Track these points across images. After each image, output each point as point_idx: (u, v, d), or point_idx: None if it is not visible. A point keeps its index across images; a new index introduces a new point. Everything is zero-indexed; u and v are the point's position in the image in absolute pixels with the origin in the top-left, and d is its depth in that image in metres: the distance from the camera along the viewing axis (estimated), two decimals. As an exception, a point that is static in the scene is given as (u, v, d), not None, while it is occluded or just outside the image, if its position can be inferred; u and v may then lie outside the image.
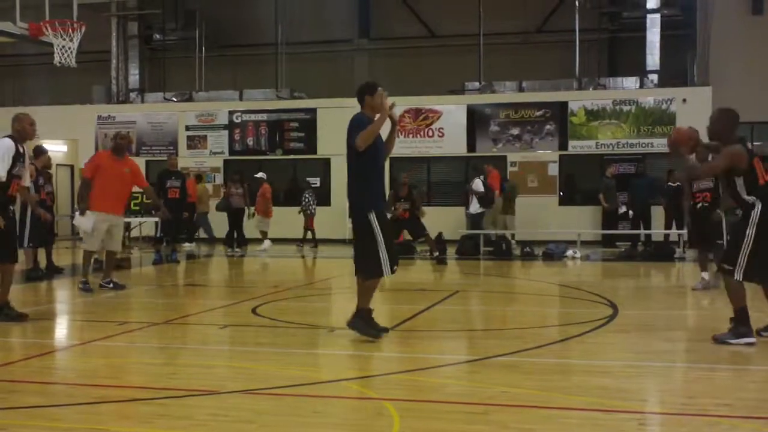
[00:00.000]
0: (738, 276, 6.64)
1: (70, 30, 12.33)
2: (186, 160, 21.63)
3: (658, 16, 21.17)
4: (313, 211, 18.99)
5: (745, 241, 6.60)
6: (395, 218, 15.17)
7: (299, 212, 19.00)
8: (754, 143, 21.37)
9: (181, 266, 14.99)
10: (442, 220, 17.99)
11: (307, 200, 19.01)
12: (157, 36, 25.39)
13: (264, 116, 22.50)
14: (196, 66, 24.27)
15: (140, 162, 22.56)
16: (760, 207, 6.57)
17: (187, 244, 18.16)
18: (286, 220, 19.67)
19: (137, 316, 8.81)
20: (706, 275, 10.61)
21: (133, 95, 24.80)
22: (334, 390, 5.28)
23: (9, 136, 7.90)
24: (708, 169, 7.64)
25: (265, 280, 13.45)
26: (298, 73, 23.46)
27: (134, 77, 25.08)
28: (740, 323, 6.68)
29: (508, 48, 22.88)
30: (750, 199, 6.64)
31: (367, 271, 6.83)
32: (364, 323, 6.83)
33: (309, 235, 19.02)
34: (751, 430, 4.36)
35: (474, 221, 17.61)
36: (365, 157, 6.72)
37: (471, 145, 21.16)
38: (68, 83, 23.91)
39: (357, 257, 6.93)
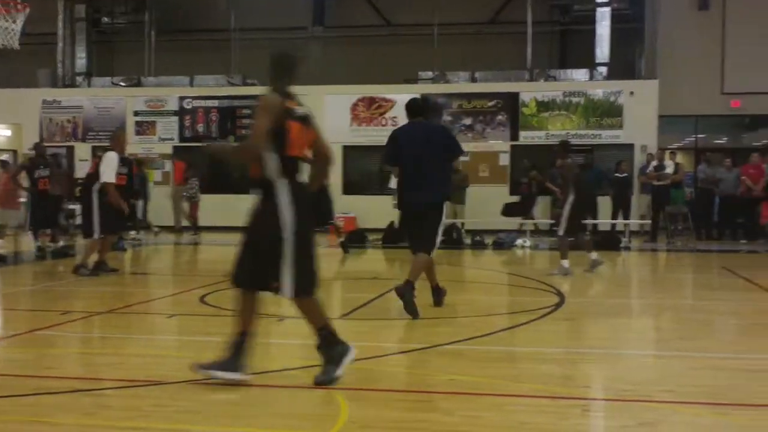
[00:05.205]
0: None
1: (13, 11, 12.02)
2: (134, 146, 21.25)
3: (608, 9, 21.41)
4: (198, 199, 19.11)
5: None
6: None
7: (185, 200, 18.88)
8: (699, 136, 21.88)
9: (128, 254, 14.78)
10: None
11: (193, 188, 18.98)
12: (106, 19, 24.86)
13: (215, 102, 22.23)
14: (145, 51, 23.85)
15: (86, 148, 22.36)
16: (287, 188, 4.86)
17: (132, 232, 17.86)
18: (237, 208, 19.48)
19: (81, 306, 8.65)
20: (594, 255, 11.50)
21: (79, 79, 24.25)
22: (281, 379, 5.25)
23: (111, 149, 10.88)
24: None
25: (215, 269, 13.30)
26: (251, 59, 23.14)
27: (81, 61, 24.48)
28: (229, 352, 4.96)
29: (462, 38, 22.93)
30: (271, 177, 4.88)
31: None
32: None
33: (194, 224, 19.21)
34: (692, 414, 4.45)
35: None
36: None
37: (423, 135, 21.16)
38: (12, 66, 23.26)
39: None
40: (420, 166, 7.90)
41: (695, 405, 4.61)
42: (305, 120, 5.04)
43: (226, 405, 4.59)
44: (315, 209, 5.04)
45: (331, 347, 5.00)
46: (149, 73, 23.69)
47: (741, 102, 20.43)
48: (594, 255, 11.49)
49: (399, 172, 8.14)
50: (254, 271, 4.89)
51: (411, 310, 7.52)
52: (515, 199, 19.53)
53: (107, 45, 25.28)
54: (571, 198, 11.11)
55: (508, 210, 18.29)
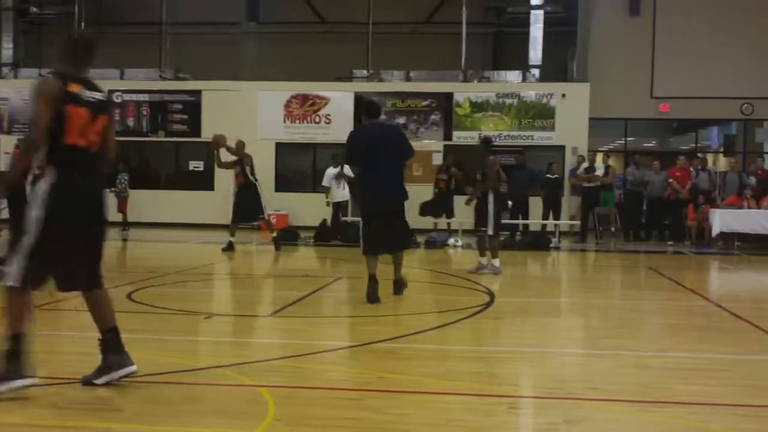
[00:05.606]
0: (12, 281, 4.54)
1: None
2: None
3: (541, 12, 21.73)
4: (126, 194, 19.01)
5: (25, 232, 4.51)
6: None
7: (114, 194, 18.62)
8: (628, 139, 22.39)
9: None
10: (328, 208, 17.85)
11: (122, 183, 18.85)
12: (34, 9, 24.13)
13: (146, 97, 21.79)
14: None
15: (12, 140, 21.65)
16: (51, 178, 4.50)
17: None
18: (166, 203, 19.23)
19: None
20: (484, 260, 11.37)
21: (5, 70, 23.52)
22: (208, 377, 5.16)
23: None
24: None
25: (143, 265, 13.04)
26: (184, 54, 22.80)
27: (8, 51, 23.71)
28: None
29: (397, 37, 22.97)
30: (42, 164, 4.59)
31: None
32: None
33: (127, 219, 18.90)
34: (618, 412, 4.52)
35: (343, 208, 17.55)
36: None
37: (358, 133, 21.13)
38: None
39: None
40: (378, 167, 7.97)
41: (621, 402, 4.69)
42: (96, 107, 4.70)
43: (149, 403, 4.48)
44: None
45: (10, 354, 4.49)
46: (78, 65, 23.07)
47: (669, 106, 20.98)
48: (484, 260, 11.27)
49: (358, 172, 8.25)
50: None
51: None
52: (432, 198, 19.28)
53: (35, 36, 24.54)
54: (491, 196, 11.16)
55: (422, 209, 18.17)
